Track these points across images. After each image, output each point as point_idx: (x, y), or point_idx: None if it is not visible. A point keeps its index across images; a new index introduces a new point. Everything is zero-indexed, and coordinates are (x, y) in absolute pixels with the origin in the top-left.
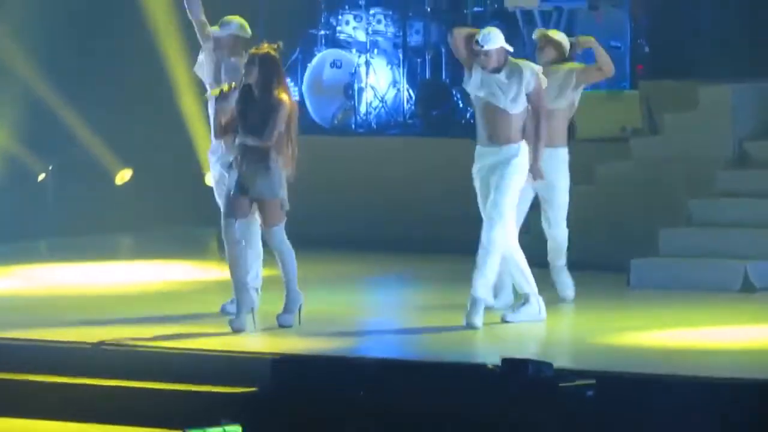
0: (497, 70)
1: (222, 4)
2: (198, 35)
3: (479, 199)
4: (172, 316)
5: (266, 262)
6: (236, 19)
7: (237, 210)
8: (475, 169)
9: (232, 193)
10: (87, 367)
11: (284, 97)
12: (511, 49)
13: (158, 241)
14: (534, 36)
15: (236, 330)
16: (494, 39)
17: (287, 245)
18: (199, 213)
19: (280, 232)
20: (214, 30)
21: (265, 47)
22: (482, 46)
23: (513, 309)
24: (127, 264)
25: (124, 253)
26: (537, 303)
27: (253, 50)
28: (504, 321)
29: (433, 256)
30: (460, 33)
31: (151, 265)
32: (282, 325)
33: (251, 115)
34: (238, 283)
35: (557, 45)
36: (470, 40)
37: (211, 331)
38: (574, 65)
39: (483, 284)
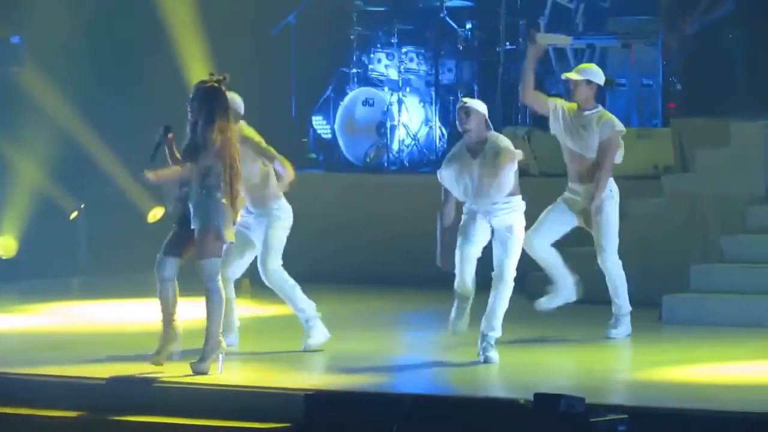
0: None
1: (254, 43)
2: None
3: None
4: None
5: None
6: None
7: (173, 248)
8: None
9: (174, 227)
10: (120, 404)
11: (217, 137)
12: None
13: (190, 277)
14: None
15: (155, 364)
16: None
17: (218, 284)
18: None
19: (211, 266)
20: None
21: (211, 81)
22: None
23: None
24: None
25: (155, 291)
26: None
27: (198, 83)
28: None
29: None
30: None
31: (184, 302)
32: (196, 372)
33: (190, 148)
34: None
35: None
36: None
37: (245, 367)
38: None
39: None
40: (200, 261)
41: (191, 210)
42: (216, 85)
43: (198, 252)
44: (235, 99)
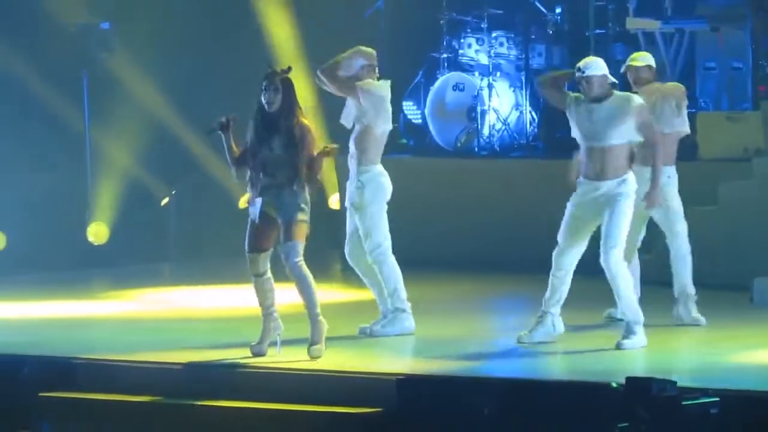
0: (598, 100)
1: (344, 30)
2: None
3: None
4: (297, 338)
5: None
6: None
7: (257, 244)
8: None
9: (252, 223)
10: (211, 389)
11: (306, 121)
12: (614, 80)
13: (282, 263)
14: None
15: (256, 354)
16: (595, 66)
17: (304, 267)
18: (326, 234)
19: (297, 251)
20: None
21: (281, 71)
22: (583, 72)
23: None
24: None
25: (247, 276)
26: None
27: (272, 74)
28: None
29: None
30: (544, 79)
31: (277, 288)
32: (313, 357)
33: (275, 142)
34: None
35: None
36: (556, 81)
37: (336, 352)
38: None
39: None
40: (286, 244)
41: (272, 201)
42: (287, 75)
43: (285, 236)
44: None
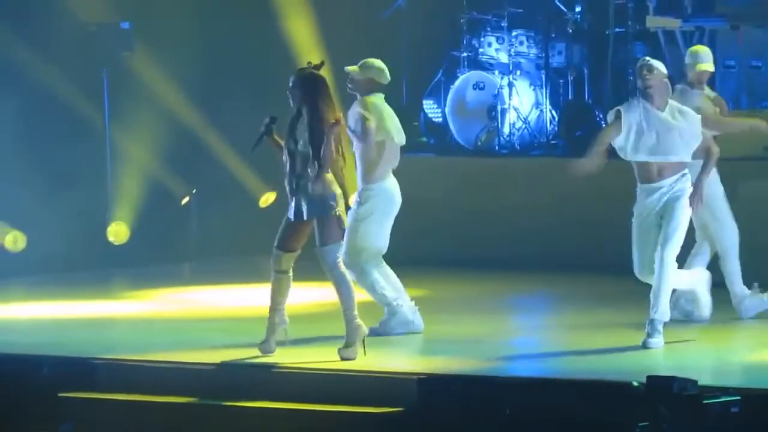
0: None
1: (365, 29)
2: None
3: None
4: (317, 336)
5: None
6: (377, 63)
7: (286, 243)
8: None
9: (286, 220)
10: (232, 389)
11: (330, 116)
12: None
13: (304, 261)
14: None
15: (264, 352)
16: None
17: (342, 269)
18: None
19: (334, 253)
20: (352, 70)
21: (308, 68)
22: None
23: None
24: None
25: (267, 276)
26: None
27: (298, 71)
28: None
29: (574, 275)
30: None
31: (298, 287)
32: (343, 358)
33: (300, 137)
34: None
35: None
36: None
37: (359, 351)
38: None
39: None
40: (322, 248)
41: (303, 199)
42: (316, 72)
43: (320, 239)
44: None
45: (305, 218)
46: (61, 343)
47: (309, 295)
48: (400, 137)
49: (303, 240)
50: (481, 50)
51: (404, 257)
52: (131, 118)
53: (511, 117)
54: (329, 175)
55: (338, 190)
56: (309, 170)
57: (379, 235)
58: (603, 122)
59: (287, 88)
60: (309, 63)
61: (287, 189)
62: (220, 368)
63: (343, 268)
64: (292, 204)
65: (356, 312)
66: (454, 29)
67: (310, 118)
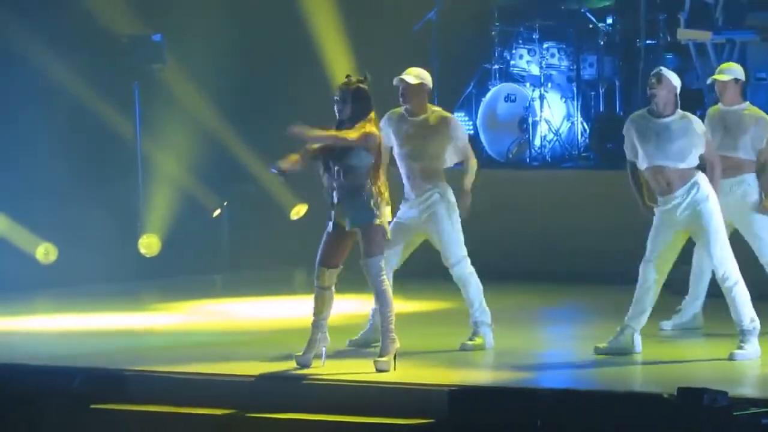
0: (663, 116)
1: (396, 42)
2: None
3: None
4: (348, 350)
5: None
6: (424, 71)
7: (329, 259)
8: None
9: (327, 235)
10: (264, 402)
11: (373, 129)
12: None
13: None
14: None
15: (301, 365)
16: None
17: (385, 281)
18: None
19: (378, 265)
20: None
21: (354, 81)
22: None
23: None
24: (302, 298)
25: (299, 287)
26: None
27: (343, 85)
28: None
29: (603, 286)
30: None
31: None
32: (379, 370)
33: (345, 150)
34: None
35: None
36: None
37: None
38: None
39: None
40: (367, 260)
41: (345, 210)
42: (360, 85)
43: (365, 251)
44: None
45: (347, 228)
46: (92, 354)
47: (345, 306)
48: None
49: (345, 254)
50: (512, 62)
51: (435, 268)
52: (162, 130)
53: (542, 129)
54: (373, 186)
55: (380, 200)
56: (352, 181)
57: None
58: None
59: (334, 99)
60: (348, 76)
61: (328, 200)
62: (251, 380)
63: (386, 281)
64: (332, 215)
65: (393, 325)
66: (486, 42)
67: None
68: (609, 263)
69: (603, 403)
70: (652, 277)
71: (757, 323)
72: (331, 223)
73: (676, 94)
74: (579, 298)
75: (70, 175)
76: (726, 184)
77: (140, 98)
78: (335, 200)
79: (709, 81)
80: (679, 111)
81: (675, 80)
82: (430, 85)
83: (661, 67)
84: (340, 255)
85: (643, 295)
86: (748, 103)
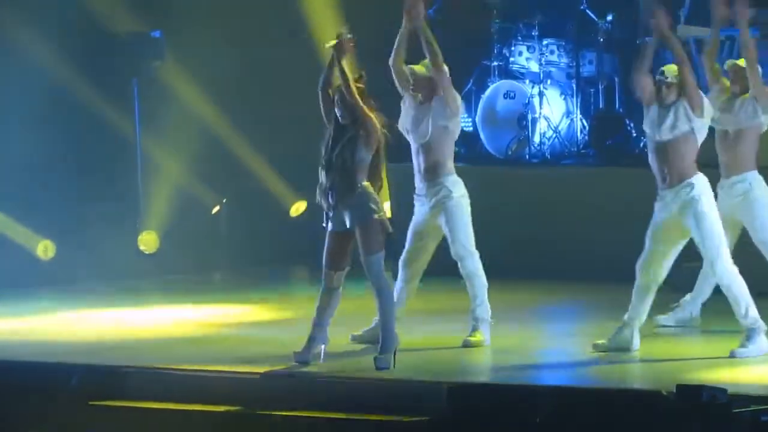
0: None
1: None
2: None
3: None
4: (348, 346)
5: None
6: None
7: (335, 261)
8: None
9: (329, 237)
10: (261, 398)
11: (373, 119)
12: None
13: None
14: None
15: (299, 362)
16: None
17: (385, 279)
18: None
19: (378, 262)
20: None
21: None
22: (667, 78)
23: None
24: (301, 295)
25: (299, 286)
26: None
27: (341, 87)
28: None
29: (603, 283)
30: (641, 69)
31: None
32: (378, 367)
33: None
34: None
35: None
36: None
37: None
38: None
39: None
40: (368, 257)
41: (344, 209)
42: (358, 85)
43: (364, 249)
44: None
45: (348, 227)
46: (91, 351)
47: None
48: None
49: (349, 253)
50: (511, 59)
51: (433, 266)
52: (162, 127)
53: (541, 126)
54: (367, 183)
55: (376, 196)
56: (350, 178)
57: None
58: (633, 131)
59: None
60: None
61: (325, 199)
62: (250, 377)
63: (385, 278)
64: (332, 215)
65: (394, 322)
66: (485, 38)
67: (360, 129)
68: (608, 260)
69: (601, 400)
70: (650, 274)
71: (760, 322)
72: (331, 224)
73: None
74: (577, 295)
75: (68, 171)
76: (727, 182)
77: (139, 95)
78: (333, 200)
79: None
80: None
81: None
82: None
83: (663, 70)
84: (345, 256)
85: (642, 292)
86: None
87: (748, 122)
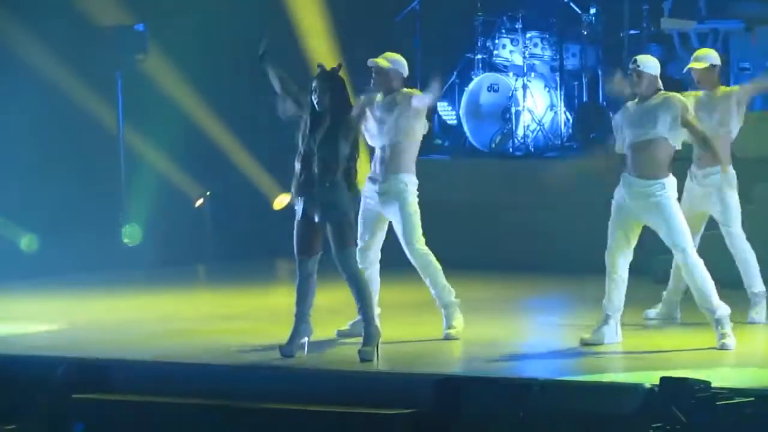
0: (645, 99)
1: (379, 32)
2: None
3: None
4: (333, 339)
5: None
6: (399, 56)
7: (306, 246)
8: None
9: (298, 225)
10: (245, 390)
11: (345, 124)
12: (660, 85)
13: (320, 263)
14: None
15: (285, 355)
16: (652, 65)
17: (358, 271)
18: None
19: (351, 257)
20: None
21: (330, 71)
22: (639, 66)
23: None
24: (285, 287)
25: (281, 278)
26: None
27: (320, 75)
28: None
29: (588, 276)
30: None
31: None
32: (362, 359)
33: (321, 137)
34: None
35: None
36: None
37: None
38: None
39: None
40: (341, 251)
41: (317, 202)
42: (338, 74)
43: (336, 244)
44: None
45: (316, 221)
46: (74, 344)
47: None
48: None
49: (320, 239)
50: (495, 52)
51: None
52: (145, 120)
53: (525, 119)
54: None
55: (349, 193)
56: (327, 172)
57: None
58: None
59: (313, 88)
60: (320, 65)
61: (298, 189)
62: (234, 369)
63: (360, 271)
64: (301, 204)
65: (375, 314)
66: (468, 31)
67: (338, 120)
68: (593, 252)
69: (586, 393)
70: (617, 265)
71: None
72: (300, 211)
73: (656, 77)
74: (562, 287)
75: (52, 164)
76: (701, 173)
77: (123, 88)
78: (305, 189)
79: (684, 70)
80: (662, 92)
81: (653, 67)
82: (402, 71)
83: (636, 58)
84: (316, 241)
85: (613, 283)
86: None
87: (721, 129)
